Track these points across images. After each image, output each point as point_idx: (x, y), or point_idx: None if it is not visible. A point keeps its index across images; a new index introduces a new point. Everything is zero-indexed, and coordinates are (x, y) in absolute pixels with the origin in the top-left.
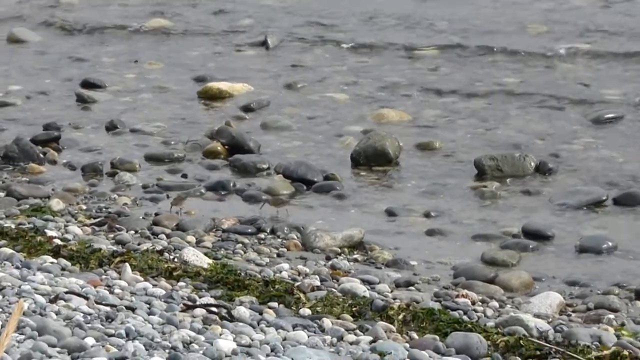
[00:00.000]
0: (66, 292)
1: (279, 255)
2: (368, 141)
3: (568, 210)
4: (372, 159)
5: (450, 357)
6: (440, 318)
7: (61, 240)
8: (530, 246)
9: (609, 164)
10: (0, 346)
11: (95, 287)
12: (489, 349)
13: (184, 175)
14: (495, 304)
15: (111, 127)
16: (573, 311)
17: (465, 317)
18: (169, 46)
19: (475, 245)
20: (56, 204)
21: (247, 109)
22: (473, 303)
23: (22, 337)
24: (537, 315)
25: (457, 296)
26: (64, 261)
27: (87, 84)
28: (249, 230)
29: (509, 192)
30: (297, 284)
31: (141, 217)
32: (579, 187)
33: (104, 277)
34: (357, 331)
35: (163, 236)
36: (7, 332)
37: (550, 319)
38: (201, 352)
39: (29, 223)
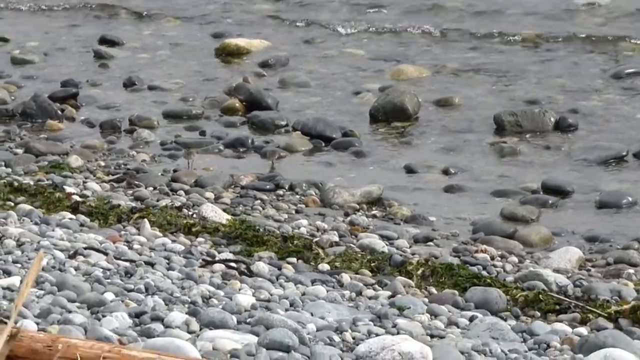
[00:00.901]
0: (85, 248)
1: (297, 212)
2: (387, 97)
3: (588, 166)
4: (391, 115)
5: (469, 311)
6: (459, 273)
7: (80, 196)
8: (550, 201)
9: (629, 120)
10: (20, 297)
11: (114, 242)
12: (508, 304)
13: (202, 133)
14: (515, 259)
15: (129, 84)
16: (592, 266)
17: (484, 272)
18: (186, 1)
19: (494, 201)
20: (75, 161)
21: (265, 65)
22: (492, 258)
23: (42, 292)
24: (557, 270)
25: (476, 251)
26: (82, 217)
27: (105, 41)
28: (268, 186)
29: (529, 148)
30: (315, 239)
31: (160, 174)
32: (599, 142)
33: (122, 233)
34: (376, 286)
35: (182, 192)
36: (27, 281)
37: (570, 274)
38: (220, 306)
39: (47, 180)
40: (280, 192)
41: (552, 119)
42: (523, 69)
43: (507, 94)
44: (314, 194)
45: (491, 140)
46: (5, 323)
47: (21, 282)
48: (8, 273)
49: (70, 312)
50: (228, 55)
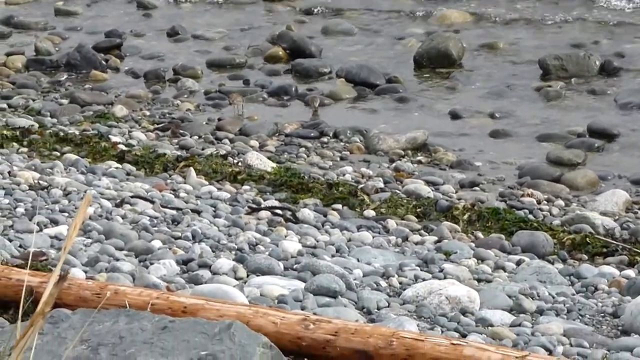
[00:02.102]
0: (132, 197)
1: (342, 159)
2: (431, 43)
3: (633, 109)
4: (436, 61)
5: (516, 255)
6: (505, 217)
7: (125, 145)
8: (596, 145)
9: None
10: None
11: (160, 191)
12: (555, 247)
13: (246, 81)
14: (561, 202)
15: (173, 34)
16: (639, 208)
17: (530, 216)
18: None
19: (540, 145)
20: (119, 110)
21: (308, 12)
22: (539, 202)
23: (89, 240)
24: (603, 213)
25: (523, 195)
26: (128, 166)
27: None
28: (312, 134)
29: (574, 92)
30: (360, 186)
31: (204, 123)
32: None
33: (169, 181)
34: (422, 231)
35: (226, 141)
36: (76, 223)
37: (617, 217)
38: (267, 253)
39: (93, 129)
40: (325, 139)
41: (597, 63)
42: (569, 14)
43: (551, 37)
44: (358, 140)
45: (536, 85)
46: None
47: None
48: (55, 222)
49: (118, 260)
50: (271, 2)
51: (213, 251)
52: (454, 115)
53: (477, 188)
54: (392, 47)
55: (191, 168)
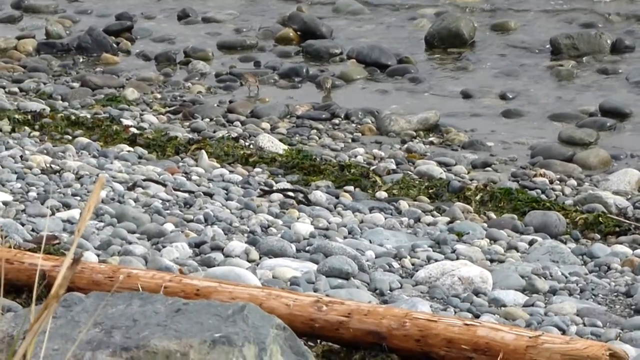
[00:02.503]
0: (144, 180)
1: (353, 140)
2: (442, 23)
3: None
4: (447, 41)
5: (528, 235)
6: (518, 197)
7: (137, 128)
8: (608, 124)
9: None
10: (82, 220)
11: (172, 174)
12: (568, 227)
13: (257, 63)
14: (574, 182)
15: (183, 16)
16: None
17: (543, 196)
18: None
19: (552, 124)
20: (131, 93)
21: None
22: (551, 182)
23: (102, 224)
24: (616, 192)
25: (535, 175)
26: (140, 149)
27: None
28: (323, 115)
29: (586, 71)
30: (372, 167)
31: (215, 105)
32: None
33: (180, 164)
34: (434, 212)
35: (238, 123)
36: (89, 205)
37: (630, 196)
38: (279, 235)
39: (104, 113)
40: (336, 121)
41: (609, 41)
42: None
43: (562, 16)
44: (370, 122)
45: (548, 64)
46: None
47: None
48: (67, 206)
49: (130, 243)
50: None
51: (225, 234)
52: (466, 96)
53: (489, 168)
54: (403, 28)
55: (203, 151)
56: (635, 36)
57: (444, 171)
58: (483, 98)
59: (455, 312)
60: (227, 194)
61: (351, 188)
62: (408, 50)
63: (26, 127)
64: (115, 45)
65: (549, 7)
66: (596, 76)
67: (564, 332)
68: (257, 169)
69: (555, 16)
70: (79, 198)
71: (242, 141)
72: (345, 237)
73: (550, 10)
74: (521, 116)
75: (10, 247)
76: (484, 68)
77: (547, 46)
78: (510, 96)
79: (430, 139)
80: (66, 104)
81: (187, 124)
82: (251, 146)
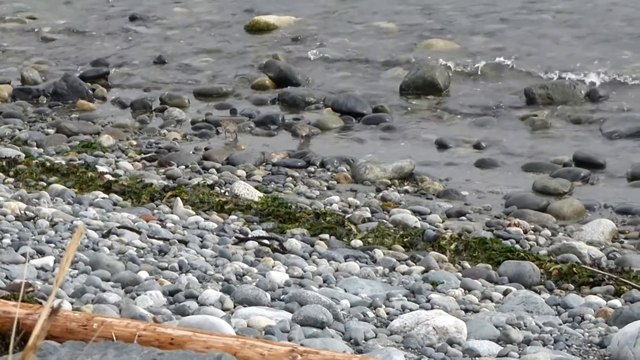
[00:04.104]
0: (118, 227)
1: (329, 188)
2: (417, 72)
3: (619, 138)
4: (422, 90)
5: (503, 285)
6: (492, 247)
7: (112, 175)
8: (582, 174)
9: None
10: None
11: (147, 221)
12: (542, 277)
13: (233, 111)
14: (548, 232)
15: (159, 62)
16: (626, 238)
17: (517, 246)
18: None
19: (526, 174)
20: (106, 140)
21: (294, 40)
22: (525, 232)
23: (76, 271)
24: (590, 243)
25: (509, 225)
26: (115, 196)
27: (135, 19)
28: (299, 163)
29: (560, 121)
30: (348, 215)
31: (191, 152)
32: (630, 114)
33: (155, 211)
34: (409, 261)
35: (213, 170)
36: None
37: (603, 246)
38: (254, 283)
39: (79, 159)
40: (312, 168)
41: (583, 91)
42: (555, 40)
43: (537, 65)
44: (345, 170)
45: (522, 114)
46: (40, 304)
47: (56, 262)
48: (42, 253)
49: (104, 291)
50: (257, 31)
51: (200, 282)
52: (441, 145)
53: (463, 218)
54: (378, 76)
55: (178, 198)
56: (610, 87)
57: (419, 220)
58: (457, 147)
59: None
60: (202, 242)
61: (326, 236)
62: (383, 98)
63: (1, 174)
64: (91, 92)
65: (524, 55)
66: (570, 126)
67: None
68: (233, 217)
69: (530, 64)
70: (53, 245)
71: (217, 188)
72: (320, 286)
73: (525, 58)
74: (495, 166)
75: None
76: (459, 117)
77: (522, 96)
78: (485, 145)
79: (405, 187)
80: (41, 150)
81: (163, 171)
82: (227, 193)
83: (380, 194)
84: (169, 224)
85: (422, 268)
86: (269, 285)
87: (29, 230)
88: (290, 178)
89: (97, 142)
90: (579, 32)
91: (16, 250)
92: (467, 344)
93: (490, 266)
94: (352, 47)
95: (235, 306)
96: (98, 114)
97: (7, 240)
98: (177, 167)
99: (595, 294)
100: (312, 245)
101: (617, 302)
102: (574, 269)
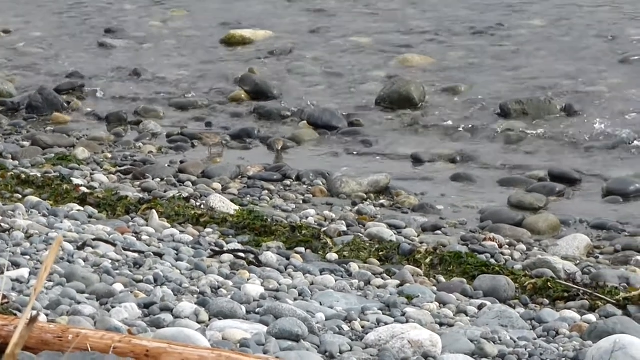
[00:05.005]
0: (94, 239)
1: (305, 202)
2: (393, 86)
3: (594, 153)
4: (397, 104)
5: (478, 299)
6: (467, 261)
7: (87, 188)
8: (557, 189)
9: (636, 105)
10: (39, 280)
11: (122, 234)
12: (517, 292)
13: (209, 124)
14: (523, 246)
15: (135, 75)
16: (601, 253)
17: (492, 260)
18: None
19: (501, 189)
20: (81, 153)
21: (270, 55)
22: (500, 246)
23: (51, 283)
24: (565, 258)
25: (484, 239)
26: (90, 209)
27: (110, 32)
28: (275, 177)
29: (535, 136)
30: (323, 229)
31: (167, 165)
32: (606, 129)
33: (131, 224)
34: (385, 275)
35: (189, 183)
36: (46, 265)
37: (578, 261)
38: (229, 296)
39: (54, 172)
40: (288, 182)
41: (558, 106)
42: (531, 56)
43: (513, 80)
44: (321, 183)
45: (497, 129)
46: (15, 315)
47: (31, 274)
48: (17, 265)
49: (79, 303)
50: (233, 45)
51: (175, 294)
52: (416, 159)
53: (439, 232)
54: (354, 91)
55: (153, 211)
56: (585, 102)
57: (394, 234)
58: (433, 162)
59: None
60: (177, 255)
61: (302, 249)
62: (359, 112)
63: None
64: (66, 105)
65: (500, 70)
66: (545, 141)
67: None
68: (208, 230)
69: (505, 80)
70: (28, 257)
71: (193, 201)
72: (295, 299)
73: (501, 74)
74: (471, 180)
75: None
76: (434, 131)
77: (497, 110)
78: (460, 160)
79: (381, 201)
80: (16, 162)
81: (138, 183)
82: (202, 206)
83: (356, 208)
84: (145, 237)
85: (398, 282)
86: (244, 298)
87: (4, 242)
88: (266, 191)
89: (73, 154)
90: (555, 46)
91: None
92: (442, 358)
93: (465, 280)
94: (328, 61)
95: (210, 319)
96: (73, 126)
97: None
98: (153, 179)
99: (570, 308)
100: (288, 259)
101: (591, 317)
102: (549, 283)
